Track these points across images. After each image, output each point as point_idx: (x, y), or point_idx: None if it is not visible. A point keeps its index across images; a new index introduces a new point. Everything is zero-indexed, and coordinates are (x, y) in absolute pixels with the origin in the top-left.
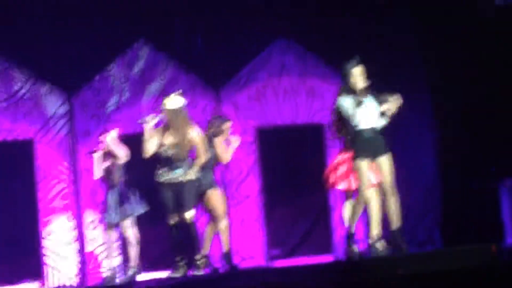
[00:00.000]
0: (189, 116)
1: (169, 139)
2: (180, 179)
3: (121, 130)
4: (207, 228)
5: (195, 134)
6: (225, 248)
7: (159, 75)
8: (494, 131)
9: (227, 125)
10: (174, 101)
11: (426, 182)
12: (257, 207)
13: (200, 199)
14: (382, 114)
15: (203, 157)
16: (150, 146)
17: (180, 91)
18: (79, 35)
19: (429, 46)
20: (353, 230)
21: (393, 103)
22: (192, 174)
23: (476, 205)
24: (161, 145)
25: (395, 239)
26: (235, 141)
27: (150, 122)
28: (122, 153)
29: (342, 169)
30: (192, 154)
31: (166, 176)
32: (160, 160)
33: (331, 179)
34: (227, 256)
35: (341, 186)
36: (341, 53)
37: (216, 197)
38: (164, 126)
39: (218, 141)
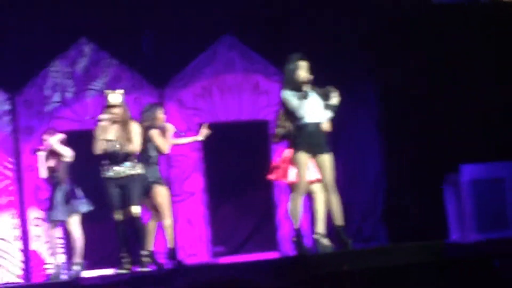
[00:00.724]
0: (130, 112)
1: (113, 135)
2: (128, 172)
3: (65, 127)
4: (150, 224)
5: (135, 127)
6: (170, 244)
7: (102, 72)
8: (438, 128)
9: (160, 110)
10: (117, 97)
11: (371, 179)
12: (202, 204)
13: (145, 195)
14: (327, 107)
15: (135, 147)
16: (101, 143)
17: (122, 91)
18: (22, 32)
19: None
20: (298, 224)
21: (336, 98)
22: (138, 169)
23: (421, 202)
24: (106, 140)
25: (339, 235)
26: (170, 129)
27: (102, 120)
28: (67, 154)
29: (285, 163)
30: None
31: (112, 171)
32: (106, 156)
33: (275, 173)
34: (172, 253)
35: (282, 179)
36: (285, 51)
37: (161, 194)
38: (107, 122)
39: (154, 133)
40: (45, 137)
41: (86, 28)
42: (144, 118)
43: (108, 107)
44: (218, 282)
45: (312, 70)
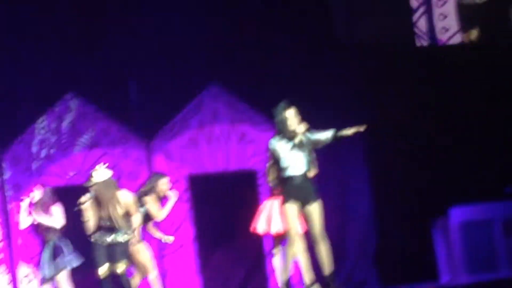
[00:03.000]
0: (116, 184)
1: (104, 211)
2: (118, 240)
3: (52, 183)
4: (134, 280)
5: (125, 197)
6: None
7: (89, 127)
8: (426, 170)
9: (163, 181)
10: (102, 173)
11: (361, 224)
12: (192, 255)
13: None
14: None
15: (137, 218)
16: (92, 223)
17: (106, 164)
18: (8, 88)
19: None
20: (287, 277)
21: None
22: (128, 237)
23: (411, 245)
24: (99, 218)
25: (330, 283)
26: (173, 196)
27: (84, 203)
28: (58, 224)
29: (266, 214)
30: None
31: (105, 239)
32: (99, 227)
33: (255, 224)
34: None
35: (263, 230)
36: (273, 99)
37: (142, 251)
38: (95, 199)
39: (150, 199)
40: (33, 194)
41: (72, 83)
42: (146, 183)
43: (93, 185)
44: None
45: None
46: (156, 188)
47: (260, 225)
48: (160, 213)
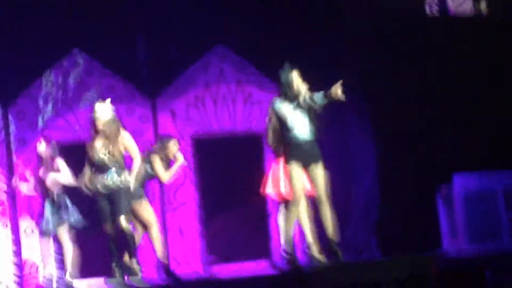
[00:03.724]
0: (121, 123)
1: (99, 144)
2: (113, 183)
3: (58, 137)
4: (136, 235)
5: (127, 137)
6: (159, 256)
7: (95, 83)
8: (431, 138)
9: (173, 142)
10: (106, 109)
11: (364, 189)
12: (194, 213)
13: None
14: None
15: (137, 159)
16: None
17: (109, 99)
18: (14, 43)
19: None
20: (290, 237)
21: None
22: (125, 180)
23: (414, 213)
24: (94, 151)
25: (331, 247)
26: (181, 159)
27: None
28: (68, 177)
29: (276, 175)
30: (128, 162)
31: (100, 183)
32: (93, 166)
33: (265, 185)
34: (163, 264)
35: (273, 192)
36: (278, 60)
37: (143, 207)
38: (96, 133)
39: (157, 158)
40: (38, 147)
41: (78, 38)
42: (155, 146)
43: (96, 120)
44: None
45: (305, 78)
46: (165, 148)
47: (268, 187)
48: (165, 174)
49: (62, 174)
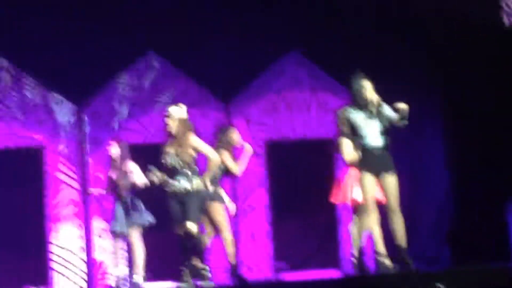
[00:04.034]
0: (193, 126)
1: (171, 148)
2: (185, 188)
3: (131, 139)
4: (204, 238)
5: (195, 139)
6: (230, 260)
7: (169, 86)
8: (506, 148)
9: (233, 133)
10: (179, 111)
11: (437, 199)
12: (265, 219)
13: (203, 212)
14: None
15: (213, 158)
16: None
17: (184, 106)
18: (90, 45)
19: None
20: (361, 246)
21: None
22: (196, 184)
23: (486, 224)
24: (166, 155)
25: (402, 256)
26: (248, 149)
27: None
28: (141, 182)
29: (347, 183)
30: (201, 166)
31: (171, 185)
32: (166, 170)
33: (336, 192)
34: (233, 268)
35: (345, 200)
36: (351, 68)
37: (217, 210)
38: (170, 137)
39: (226, 153)
40: (110, 147)
41: (154, 41)
42: (217, 138)
43: (169, 120)
44: None
45: (377, 89)
46: (230, 140)
47: (341, 195)
48: (237, 166)
49: (134, 175)
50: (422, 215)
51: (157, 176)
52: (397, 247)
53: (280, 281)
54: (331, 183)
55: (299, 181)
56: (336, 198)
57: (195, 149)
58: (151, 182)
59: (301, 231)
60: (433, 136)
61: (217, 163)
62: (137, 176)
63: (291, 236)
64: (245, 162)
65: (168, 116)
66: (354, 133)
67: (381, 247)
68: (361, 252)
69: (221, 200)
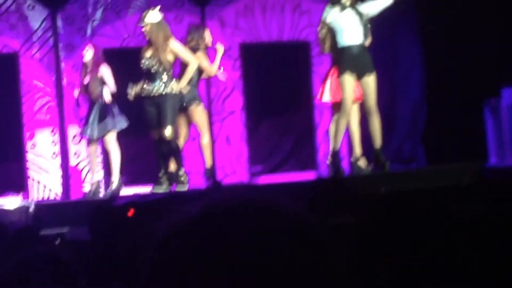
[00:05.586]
0: (169, 30)
1: (149, 52)
2: (160, 91)
3: (105, 44)
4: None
5: (176, 44)
6: (207, 164)
7: None
8: (481, 49)
9: (206, 33)
10: (154, 15)
11: (413, 100)
12: (241, 122)
13: (182, 114)
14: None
15: (193, 64)
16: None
17: (159, 6)
18: None
19: None
20: (337, 147)
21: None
22: (172, 88)
23: (461, 124)
24: (143, 59)
25: (377, 157)
26: (220, 49)
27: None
28: (112, 86)
29: (330, 82)
30: (176, 69)
31: (146, 90)
32: (143, 75)
33: (320, 91)
34: (210, 172)
35: (327, 98)
36: None
37: (198, 113)
38: (148, 42)
39: (201, 56)
40: (84, 53)
41: None
42: (189, 39)
43: (144, 25)
44: (233, 202)
45: None
46: (203, 40)
47: (325, 95)
48: (211, 67)
49: (106, 80)
50: (397, 116)
51: (133, 90)
52: (373, 147)
53: (254, 184)
54: (306, 85)
55: (275, 84)
56: (322, 98)
57: (175, 54)
58: (129, 96)
59: (277, 134)
60: (409, 34)
61: (195, 68)
62: (108, 80)
63: (267, 139)
64: (219, 62)
65: (142, 21)
66: (332, 31)
67: (358, 148)
68: (337, 154)
69: (200, 102)
